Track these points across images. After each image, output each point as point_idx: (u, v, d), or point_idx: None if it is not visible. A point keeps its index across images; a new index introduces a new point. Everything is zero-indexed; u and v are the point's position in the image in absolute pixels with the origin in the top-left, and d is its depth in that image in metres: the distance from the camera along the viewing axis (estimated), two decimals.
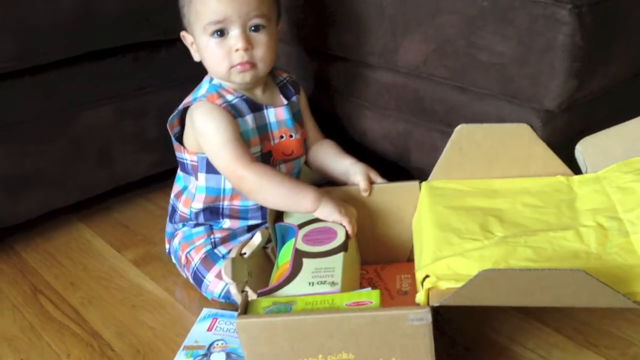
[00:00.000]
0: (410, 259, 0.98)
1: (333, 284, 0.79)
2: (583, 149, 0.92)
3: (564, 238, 0.80)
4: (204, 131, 0.95)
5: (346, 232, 0.90)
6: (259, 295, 0.79)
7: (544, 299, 0.72)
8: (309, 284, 0.80)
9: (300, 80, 1.14)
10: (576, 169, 0.93)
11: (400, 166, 1.11)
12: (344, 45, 1.10)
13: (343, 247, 0.86)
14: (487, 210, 0.87)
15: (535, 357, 0.90)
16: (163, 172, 1.27)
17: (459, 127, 0.90)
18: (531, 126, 0.92)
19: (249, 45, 0.93)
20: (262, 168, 0.93)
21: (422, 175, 1.08)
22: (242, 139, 0.95)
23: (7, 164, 1.06)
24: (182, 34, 0.99)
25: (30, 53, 1.02)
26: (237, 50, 0.93)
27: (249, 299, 0.90)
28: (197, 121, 0.95)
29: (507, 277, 0.69)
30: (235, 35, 0.93)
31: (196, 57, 1.00)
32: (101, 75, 1.14)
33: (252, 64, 0.95)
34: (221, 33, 0.93)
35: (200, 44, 0.95)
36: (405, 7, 0.98)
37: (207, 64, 0.97)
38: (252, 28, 0.94)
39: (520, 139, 0.90)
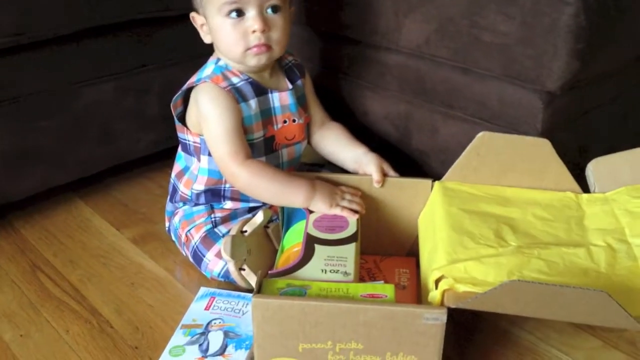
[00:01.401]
0: (409, 254, 0.99)
1: (346, 274, 0.80)
2: (594, 169, 0.93)
3: (576, 255, 0.82)
4: (207, 117, 0.94)
5: (357, 221, 0.90)
6: (270, 276, 0.80)
7: (562, 314, 0.75)
8: (322, 271, 0.80)
9: (304, 61, 1.13)
10: (582, 182, 0.94)
11: (400, 148, 1.10)
12: (347, 26, 1.09)
13: (354, 237, 0.87)
14: (500, 217, 0.89)
15: (533, 339, 0.91)
16: (164, 150, 1.27)
17: (480, 133, 0.90)
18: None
19: (267, 27, 0.92)
20: (254, 166, 0.93)
21: (422, 156, 1.08)
22: (245, 125, 0.95)
23: (7, 140, 1.06)
24: (192, 15, 0.97)
25: (31, 28, 1.01)
26: (253, 31, 0.92)
27: (249, 277, 0.91)
28: (202, 105, 0.95)
29: (532, 290, 0.70)
30: (252, 16, 0.91)
31: (207, 39, 0.98)
32: (102, 51, 1.13)
33: (268, 47, 0.94)
34: (238, 13, 0.91)
35: (214, 25, 0.93)
36: None
37: (221, 46, 0.95)
38: (269, 10, 0.93)
39: (538, 153, 0.91)
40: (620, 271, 0.81)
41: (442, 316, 0.72)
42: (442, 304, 0.76)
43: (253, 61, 0.94)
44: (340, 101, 1.16)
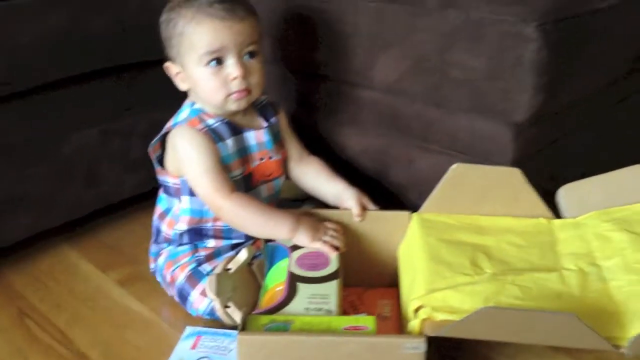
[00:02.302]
0: (391, 285, 1.01)
1: (329, 311, 0.82)
2: (565, 194, 0.96)
3: (549, 279, 0.85)
4: (185, 159, 0.97)
5: (338, 257, 0.92)
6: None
7: (536, 338, 0.77)
8: (305, 309, 0.83)
9: (282, 99, 1.16)
10: (555, 209, 0.98)
11: (378, 181, 1.13)
12: (323, 64, 1.13)
13: (336, 274, 0.90)
14: (476, 245, 0.92)
15: None
16: (149, 191, 1.29)
17: (454, 165, 0.94)
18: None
19: (246, 72, 0.96)
20: (240, 199, 0.96)
21: (401, 189, 1.11)
22: (223, 164, 0.98)
23: None
24: (166, 65, 1.01)
25: (17, 78, 1.03)
26: (234, 78, 0.95)
27: (234, 315, 0.92)
28: (179, 148, 0.98)
29: (505, 315, 0.73)
30: (231, 64, 0.95)
31: (183, 87, 1.01)
32: (87, 97, 1.15)
33: (249, 91, 0.97)
34: (217, 62, 0.95)
35: (194, 75, 0.96)
36: (380, 26, 1.01)
37: (201, 93, 0.98)
38: (246, 56, 0.96)
39: (510, 182, 0.94)
40: (591, 294, 0.83)
41: (422, 345, 0.74)
42: (421, 333, 0.78)
43: (234, 106, 0.98)
44: (319, 137, 1.20)
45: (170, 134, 1.00)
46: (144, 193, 1.30)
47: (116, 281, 1.13)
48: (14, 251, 1.19)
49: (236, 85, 0.96)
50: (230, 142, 0.99)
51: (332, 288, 0.87)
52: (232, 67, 0.95)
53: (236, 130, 1.00)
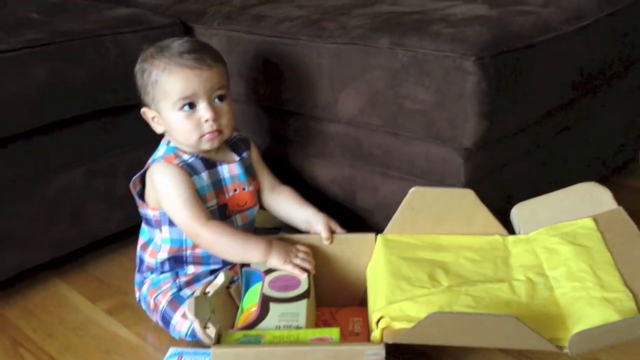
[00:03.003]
0: (362, 304, 1.07)
1: (298, 327, 0.89)
2: (518, 213, 1.05)
3: (499, 289, 0.93)
4: (164, 192, 1.05)
5: (308, 279, 0.99)
6: None
7: (482, 341, 0.84)
8: (276, 327, 0.89)
9: (254, 135, 1.25)
10: (509, 228, 1.06)
11: (348, 207, 1.21)
12: (291, 101, 1.21)
13: (306, 294, 0.96)
14: (434, 262, 0.99)
15: None
16: (133, 226, 1.35)
17: (412, 189, 1.02)
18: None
19: (216, 115, 1.04)
20: (216, 226, 1.03)
21: (366, 213, 1.18)
22: (199, 195, 1.05)
23: None
24: (143, 110, 1.09)
25: (3, 125, 1.10)
26: (206, 121, 1.04)
27: (213, 335, 0.98)
28: (157, 182, 1.05)
29: (451, 320, 0.80)
30: (203, 107, 1.03)
31: (158, 130, 1.10)
32: (71, 140, 1.22)
33: (220, 131, 1.06)
34: (190, 106, 1.03)
35: (169, 118, 1.05)
36: (339, 66, 1.10)
37: (177, 135, 1.06)
38: (217, 99, 1.05)
39: (464, 202, 1.02)
40: (538, 301, 0.91)
41: (381, 351, 0.81)
42: (381, 340, 0.85)
43: (207, 145, 1.06)
44: (290, 169, 1.28)
45: (149, 170, 1.08)
46: (131, 227, 1.36)
47: (105, 311, 1.19)
48: (7, 286, 1.25)
49: (208, 127, 1.04)
50: (204, 175, 1.07)
51: (301, 307, 0.93)
52: (203, 110, 1.03)
53: (210, 164, 1.08)
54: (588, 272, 0.92)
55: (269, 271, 1.02)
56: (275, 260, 1.01)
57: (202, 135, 1.05)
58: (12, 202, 1.17)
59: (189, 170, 1.06)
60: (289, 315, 0.91)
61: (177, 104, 1.03)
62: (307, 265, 1.02)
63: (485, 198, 1.02)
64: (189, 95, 1.02)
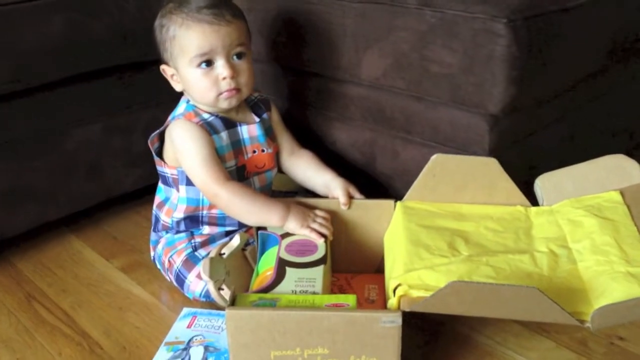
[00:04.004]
0: (378, 271, 1.06)
1: (314, 293, 0.87)
2: (542, 184, 1.02)
3: (521, 261, 0.90)
4: (183, 150, 1.03)
5: (325, 244, 0.97)
6: None
7: (502, 312, 0.82)
8: (292, 291, 0.87)
9: (275, 97, 1.22)
10: (533, 199, 1.03)
11: (367, 172, 1.19)
12: (313, 62, 1.18)
13: (323, 260, 0.95)
14: (455, 231, 0.97)
15: (491, 343, 0.98)
16: (150, 185, 1.34)
17: (434, 156, 0.99)
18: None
19: (234, 72, 1.02)
20: (234, 187, 1.01)
21: (386, 179, 1.16)
22: (218, 155, 1.03)
23: (2, 180, 1.14)
24: (162, 67, 1.07)
25: (23, 76, 1.10)
26: (224, 78, 1.01)
27: (227, 296, 0.98)
28: (176, 140, 1.03)
29: (471, 289, 0.78)
30: (221, 64, 1.01)
31: (178, 88, 1.07)
32: (89, 95, 1.22)
33: (238, 90, 1.03)
34: (207, 64, 1.01)
35: (187, 76, 1.02)
36: (364, 26, 1.06)
37: (194, 93, 1.04)
38: (235, 57, 1.02)
39: (487, 171, 0.99)
40: (561, 273, 0.89)
41: (398, 319, 0.80)
42: (398, 308, 0.83)
43: (225, 104, 1.04)
44: (310, 132, 1.25)
45: (168, 127, 1.06)
46: (147, 186, 1.36)
47: (119, 268, 1.19)
48: (23, 240, 1.26)
49: (226, 84, 1.02)
50: (224, 134, 1.05)
51: (318, 272, 0.92)
52: (221, 68, 1.01)
53: (230, 124, 1.06)
54: (613, 246, 0.90)
55: (286, 235, 1.00)
56: (292, 224, 0.99)
57: (220, 94, 1.02)
58: (30, 155, 1.17)
59: (209, 129, 1.04)
60: (306, 281, 0.90)
61: (194, 60, 1.00)
62: (324, 231, 1.00)
63: (509, 168, 0.99)
64: (206, 51, 1.00)
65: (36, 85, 1.13)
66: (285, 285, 0.89)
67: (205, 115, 1.05)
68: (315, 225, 1.00)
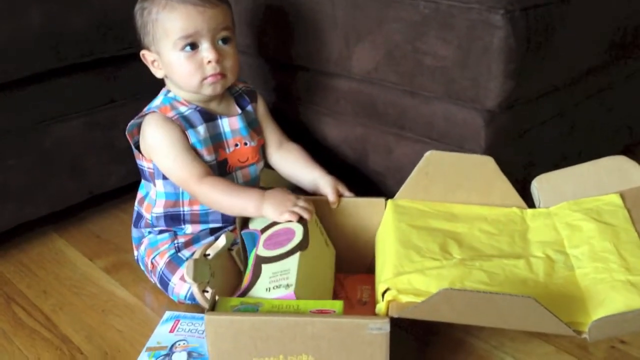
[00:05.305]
0: (370, 270, 1.01)
1: (287, 286, 0.82)
2: (539, 185, 0.98)
3: (515, 266, 0.87)
4: (155, 146, 0.99)
5: (304, 227, 0.91)
6: None
7: (495, 321, 0.78)
8: (267, 289, 0.83)
9: (262, 91, 1.18)
10: (529, 199, 0.99)
11: (358, 169, 1.15)
12: (302, 55, 1.14)
13: (300, 246, 0.88)
14: (447, 232, 0.93)
15: (487, 347, 0.94)
16: (135, 182, 1.31)
17: (428, 153, 0.95)
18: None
19: (220, 56, 0.98)
20: (210, 182, 0.97)
21: (378, 177, 1.12)
22: (195, 150, 0.99)
23: None
24: (143, 52, 1.02)
25: None
26: (209, 62, 0.97)
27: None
28: (148, 135, 1.00)
29: (464, 297, 0.74)
30: (206, 48, 0.97)
31: (159, 74, 1.03)
32: (69, 89, 1.18)
33: (223, 75, 0.99)
34: (192, 47, 0.97)
35: (170, 60, 0.98)
36: (355, 17, 1.02)
37: (178, 79, 1.00)
38: (221, 41, 0.98)
39: (483, 170, 0.96)
40: (557, 280, 0.85)
41: (386, 326, 0.76)
42: (386, 314, 0.80)
43: (209, 90, 0.99)
44: (300, 127, 1.22)
45: (143, 120, 1.02)
46: (132, 183, 1.32)
47: (102, 269, 1.15)
48: (3, 239, 1.21)
49: (211, 69, 0.98)
50: (201, 128, 1.01)
51: (292, 262, 0.85)
52: (206, 51, 0.97)
53: (209, 117, 1.02)
54: (612, 252, 0.86)
55: (266, 228, 0.94)
56: (269, 211, 0.94)
57: (204, 78, 0.98)
58: (7, 153, 1.12)
59: (184, 123, 1.00)
60: (279, 274, 0.84)
61: (178, 43, 0.96)
62: (305, 214, 0.93)
63: (506, 165, 0.96)
64: (191, 33, 0.96)
65: (12, 80, 1.08)
66: (261, 284, 0.84)
67: (183, 109, 1.01)
68: (296, 209, 0.93)
